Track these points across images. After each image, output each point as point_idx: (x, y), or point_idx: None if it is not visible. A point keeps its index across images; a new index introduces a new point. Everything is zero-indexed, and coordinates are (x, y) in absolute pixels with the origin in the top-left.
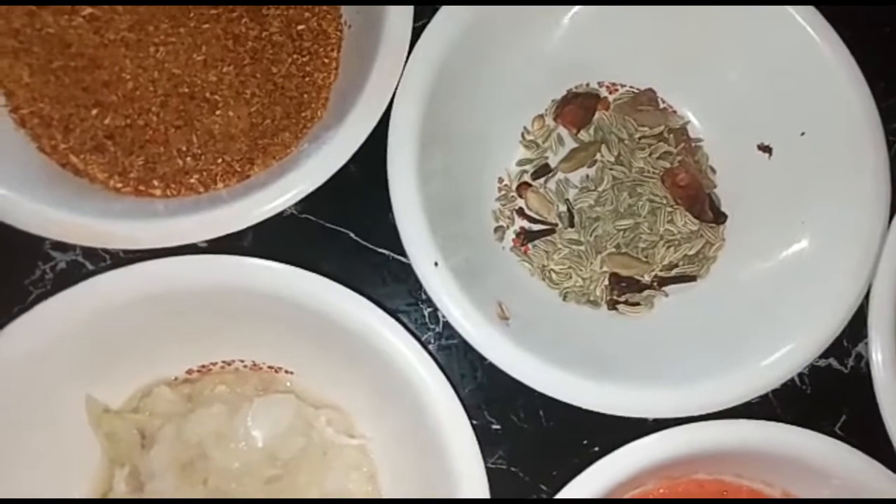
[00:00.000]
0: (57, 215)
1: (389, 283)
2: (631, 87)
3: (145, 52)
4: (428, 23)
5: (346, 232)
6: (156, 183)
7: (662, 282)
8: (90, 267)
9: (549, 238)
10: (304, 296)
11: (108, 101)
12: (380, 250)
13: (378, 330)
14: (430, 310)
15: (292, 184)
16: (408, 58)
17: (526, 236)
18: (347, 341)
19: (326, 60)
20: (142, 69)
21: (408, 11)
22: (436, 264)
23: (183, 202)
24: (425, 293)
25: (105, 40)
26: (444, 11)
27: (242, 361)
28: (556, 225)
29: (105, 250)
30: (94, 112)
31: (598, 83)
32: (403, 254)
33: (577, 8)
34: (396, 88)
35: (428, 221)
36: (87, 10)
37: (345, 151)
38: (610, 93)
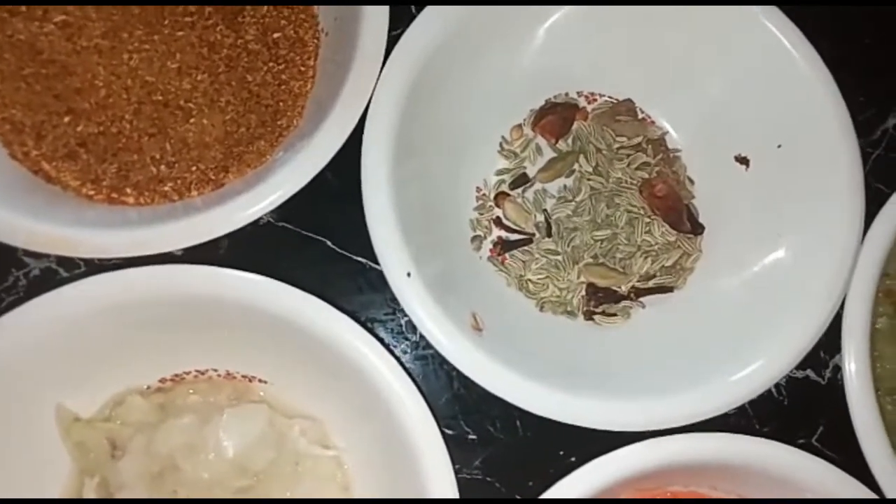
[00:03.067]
0: (28, 223)
1: (366, 291)
2: (609, 97)
3: (118, 59)
4: (404, 31)
5: (323, 240)
6: (129, 191)
7: (639, 293)
8: (64, 274)
9: (526, 248)
10: (279, 307)
11: (81, 108)
12: (357, 259)
13: (352, 342)
14: (406, 319)
15: (268, 191)
16: (383, 65)
17: (503, 246)
18: (322, 352)
19: (303, 69)
20: (115, 76)
21: (383, 19)
22: (408, 274)
23: (157, 210)
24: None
25: (77, 47)
26: (422, 19)
27: (216, 370)
28: (534, 235)
29: (80, 258)
30: (67, 119)
31: (577, 93)
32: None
33: (555, 17)
34: (372, 96)
35: (401, 230)
36: (59, 16)
37: (320, 159)
38: (588, 103)
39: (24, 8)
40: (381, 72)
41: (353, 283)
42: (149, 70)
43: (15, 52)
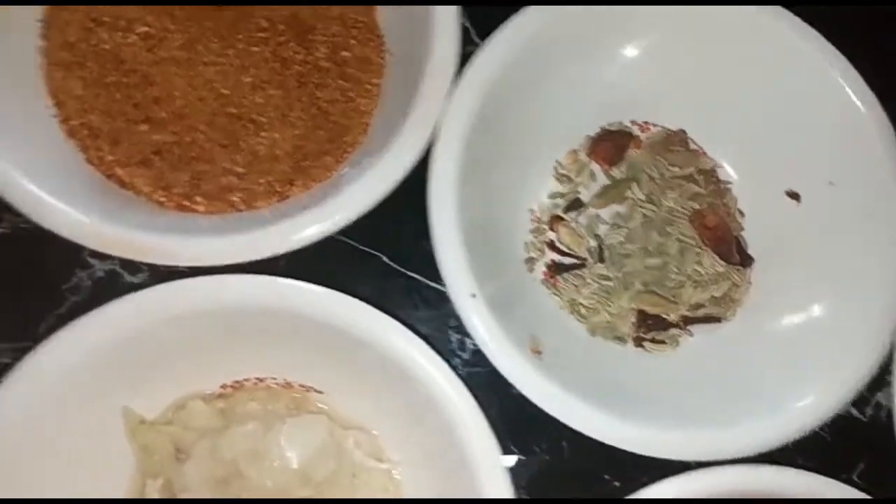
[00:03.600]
0: (100, 225)
1: (420, 307)
2: (663, 127)
3: (195, 70)
4: (473, 51)
5: (378, 255)
6: (199, 199)
7: (688, 321)
8: (127, 277)
9: (578, 272)
10: (337, 317)
11: (158, 117)
12: (411, 275)
13: (409, 353)
14: (458, 336)
15: (336, 209)
16: (453, 86)
17: (556, 269)
18: (378, 363)
19: (369, 87)
20: (191, 87)
21: (454, 40)
22: (473, 295)
23: (227, 220)
24: (456, 320)
25: (157, 58)
26: (492, 45)
27: (274, 379)
28: (587, 260)
29: (144, 262)
30: (144, 127)
31: (631, 122)
32: (434, 279)
33: (617, 49)
34: (441, 117)
35: (467, 252)
36: (142, 28)
37: (389, 179)
38: (642, 131)
39: (109, 18)
40: (451, 93)
41: (407, 299)
42: (224, 83)
43: (99, 61)
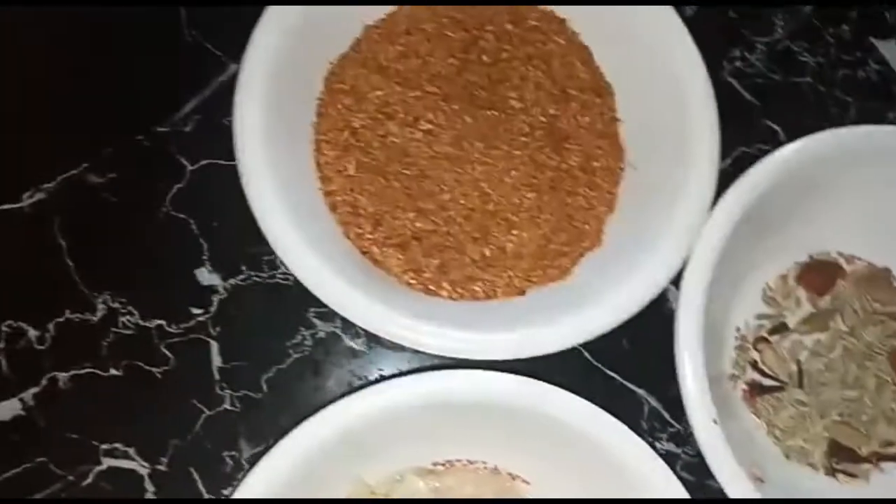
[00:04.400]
0: (353, 294)
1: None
2: (869, 262)
3: (464, 168)
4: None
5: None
6: (445, 285)
7: (881, 458)
8: (347, 340)
9: (777, 395)
10: (568, 416)
11: (426, 207)
12: (633, 388)
13: (630, 451)
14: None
15: (584, 322)
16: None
17: (756, 389)
18: (592, 458)
19: (609, 196)
20: (458, 183)
21: (714, 164)
22: (715, 421)
23: (468, 311)
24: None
25: (433, 153)
26: (755, 173)
27: (485, 463)
28: (786, 383)
29: (362, 328)
30: (411, 215)
31: (838, 252)
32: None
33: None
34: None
35: (707, 377)
36: (426, 125)
37: (643, 296)
38: (848, 263)
39: (402, 113)
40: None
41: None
42: (489, 182)
43: (385, 152)
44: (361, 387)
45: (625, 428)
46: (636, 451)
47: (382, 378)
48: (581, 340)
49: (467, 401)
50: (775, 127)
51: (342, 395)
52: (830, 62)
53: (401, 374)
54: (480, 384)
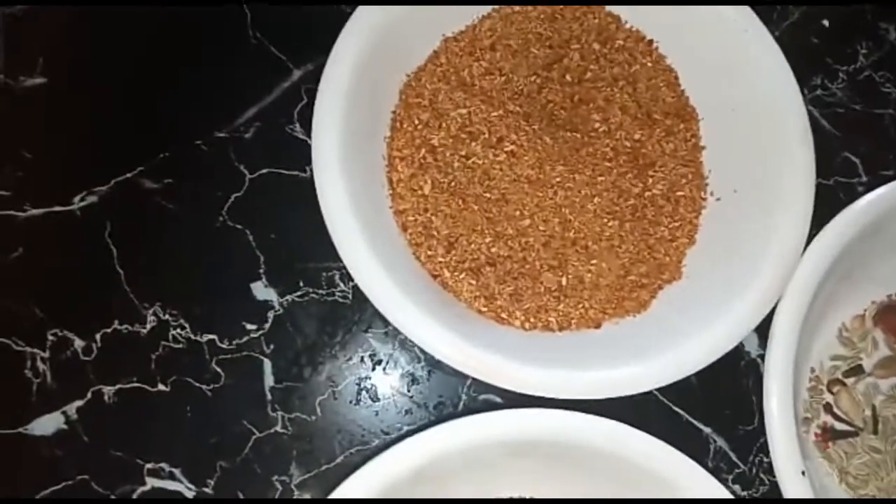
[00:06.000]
0: (419, 315)
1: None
2: None
3: (544, 192)
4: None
5: (672, 407)
6: (518, 314)
7: None
8: (406, 364)
9: (851, 440)
10: (658, 465)
11: (505, 232)
12: (701, 428)
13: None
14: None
15: (668, 365)
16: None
17: (830, 434)
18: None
19: (689, 227)
20: (538, 209)
21: (808, 210)
22: (803, 473)
23: (538, 344)
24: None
25: (515, 176)
26: (840, 220)
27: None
28: (861, 429)
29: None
30: (488, 240)
31: None
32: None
33: None
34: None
35: (797, 428)
36: (510, 146)
37: (730, 340)
38: None
39: (486, 133)
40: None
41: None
42: (570, 208)
43: (466, 174)
44: (420, 417)
45: (715, 483)
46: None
47: (441, 405)
48: (661, 384)
49: (539, 439)
50: (854, 159)
51: (401, 423)
52: None
53: (466, 409)
54: (554, 423)
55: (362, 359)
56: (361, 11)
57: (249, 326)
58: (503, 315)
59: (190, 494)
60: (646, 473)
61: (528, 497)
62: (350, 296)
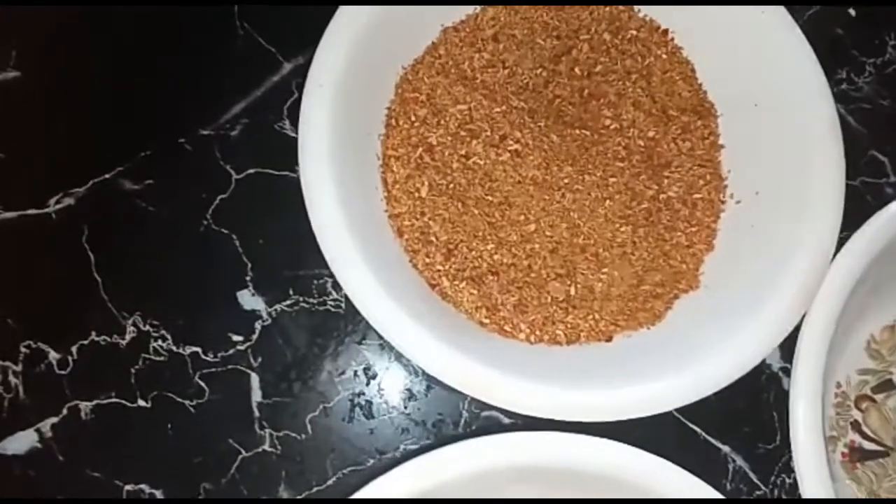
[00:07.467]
0: (415, 328)
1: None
2: None
3: (551, 195)
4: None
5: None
6: (523, 327)
7: None
8: (403, 379)
9: (881, 461)
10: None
11: (508, 238)
12: (722, 447)
13: None
14: None
15: (687, 384)
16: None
17: (858, 454)
18: None
19: (707, 232)
20: (545, 213)
21: (836, 219)
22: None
23: (550, 360)
24: None
25: (519, 177)
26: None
27: None
28: (891, 448)
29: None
30: (490, 246)
31: None
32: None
33: None
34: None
35: (826, 450)
36: (514, 145)
37: (753, 358)
38: None
39: (488, 131)
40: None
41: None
42: (579, 212)
43: (467, 174)
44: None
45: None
46: None
47: (441, 423)
48: (678, 405)
49: (547, 465)
50: (882, 158)
51: (397, 442)
52: None
53: (467, 427)
54: (564, 448)
55: (356, 373)
56: (348, 8)
57: (235, 338)
58: (507, 327)
59: None
60: None
61: None
62: (343, 305)
